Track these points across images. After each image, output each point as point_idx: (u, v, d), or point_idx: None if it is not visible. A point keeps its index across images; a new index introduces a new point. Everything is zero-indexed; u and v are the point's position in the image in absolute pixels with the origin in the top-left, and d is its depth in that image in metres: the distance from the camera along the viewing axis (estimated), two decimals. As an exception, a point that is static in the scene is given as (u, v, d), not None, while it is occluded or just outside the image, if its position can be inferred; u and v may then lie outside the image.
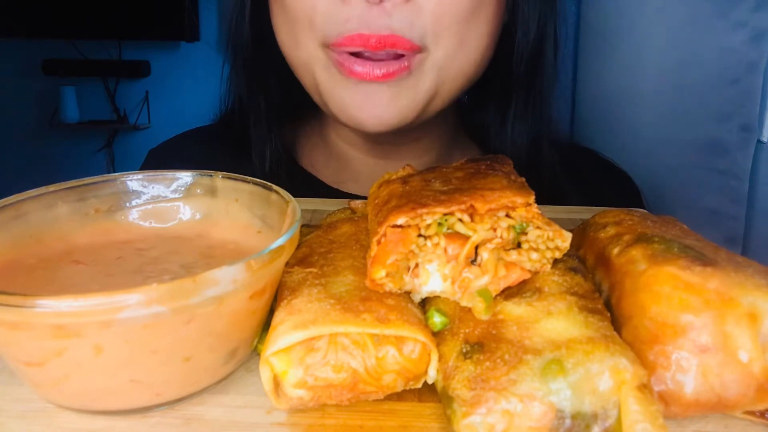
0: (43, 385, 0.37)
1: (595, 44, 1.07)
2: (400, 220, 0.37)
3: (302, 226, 0.51)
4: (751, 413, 0.37)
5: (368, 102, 0.67)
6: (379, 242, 0.38)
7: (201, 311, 0.35)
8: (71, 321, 0.32)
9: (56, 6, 2.62)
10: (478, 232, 0.38)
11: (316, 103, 0.75)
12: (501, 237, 0.38)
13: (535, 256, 0.39)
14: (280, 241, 0.38)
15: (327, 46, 0.67)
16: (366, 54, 0.66)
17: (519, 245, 0.39)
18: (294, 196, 0.45)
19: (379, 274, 0.38)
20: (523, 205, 0.38)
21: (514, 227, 0.38)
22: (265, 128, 0.82)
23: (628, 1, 1.02)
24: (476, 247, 0.39)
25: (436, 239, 0.38)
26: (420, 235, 0.38)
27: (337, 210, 0.53)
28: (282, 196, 0.45)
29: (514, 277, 0.39)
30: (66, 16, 2.64)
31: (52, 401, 0.38)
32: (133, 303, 0.32)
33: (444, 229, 0.38)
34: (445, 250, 0.39)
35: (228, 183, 0.48)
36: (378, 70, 0.65)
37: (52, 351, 0.33)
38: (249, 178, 0.47)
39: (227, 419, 0.37)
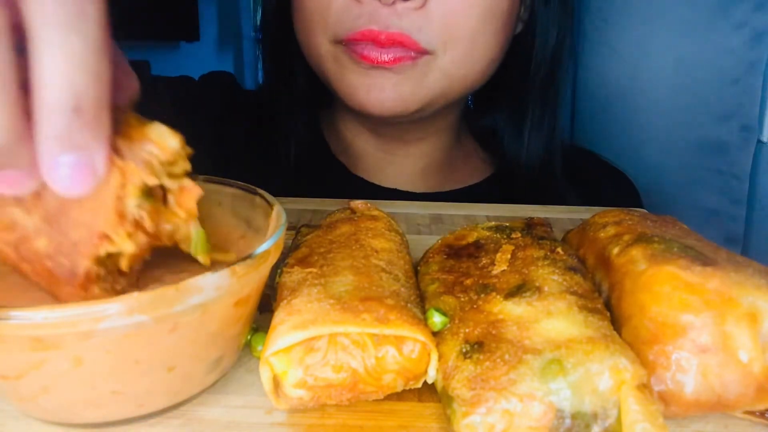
0: (21, 399, 0.35)
1: (596, 44, 1.07)
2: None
3: (302, 226, 0.51)
4: (751, 413, 0.37)
5: (374, 86, 0.70)
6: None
7: (184, 320, 0.33)
8: (49, 333, 0.30)
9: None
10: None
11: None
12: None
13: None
14: (264, 246, 0.36)
15: (338, 42, 0.71)
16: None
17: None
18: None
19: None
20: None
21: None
22: (295, 113, 0.87)
23: (628, 2, 1.02)
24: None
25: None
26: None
27: (337, 210, 0.53)
28: (266, 200, 0.43)
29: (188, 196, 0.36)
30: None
31: (30, 415, 0.37)
32: (113, 313, 0.30)
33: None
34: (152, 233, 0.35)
35: (209, 186, 0.46)
36: (386, 55, 0.69)
37: (30, 364, 0.32)
38: (231, 181, 0.46)
39: (227, 419, 0.37)
